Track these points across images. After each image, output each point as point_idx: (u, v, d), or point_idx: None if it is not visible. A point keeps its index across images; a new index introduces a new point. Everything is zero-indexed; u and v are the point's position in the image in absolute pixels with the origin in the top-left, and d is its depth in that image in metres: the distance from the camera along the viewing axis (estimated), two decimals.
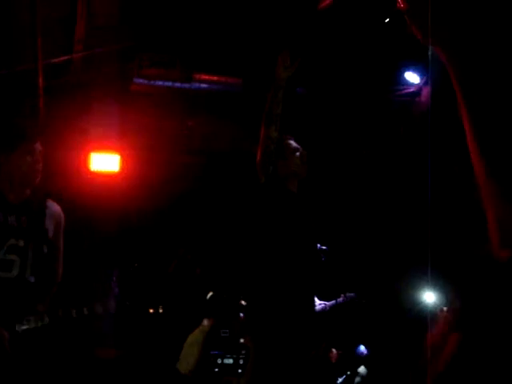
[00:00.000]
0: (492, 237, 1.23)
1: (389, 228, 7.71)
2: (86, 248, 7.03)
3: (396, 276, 6.97)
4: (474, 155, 1.24)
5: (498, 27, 1.28)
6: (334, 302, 5.47)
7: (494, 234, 1.23)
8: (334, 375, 5.24)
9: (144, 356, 6.44)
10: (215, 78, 7.43)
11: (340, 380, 5.24)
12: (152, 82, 7.32)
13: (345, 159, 7.96)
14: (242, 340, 5.57)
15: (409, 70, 7.36)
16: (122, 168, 7.16)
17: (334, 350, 5.35)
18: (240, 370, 5.53)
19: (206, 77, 7.39)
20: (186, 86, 7.41)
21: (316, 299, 4.49)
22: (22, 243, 3.22)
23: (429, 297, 5.72)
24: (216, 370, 5.57)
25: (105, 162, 7.11)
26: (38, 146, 3.38)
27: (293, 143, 3.41)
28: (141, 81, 7.28)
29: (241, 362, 5.55)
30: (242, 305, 5.77)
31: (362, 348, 5.57)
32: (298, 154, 3.38)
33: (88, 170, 7.06)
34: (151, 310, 7.28)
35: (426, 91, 7.46)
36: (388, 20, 1.50)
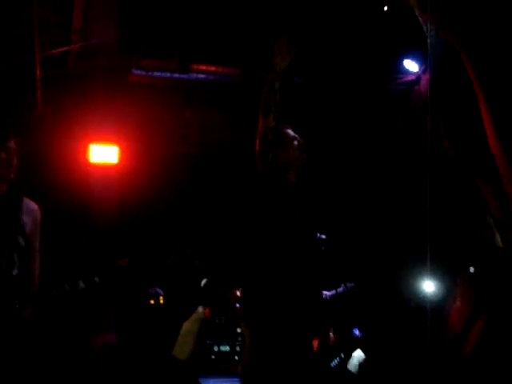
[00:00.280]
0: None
1: (388, 217, 7.71)
2: (84, 239, 7.03)
3: (396, 265, 6.98)
4: (492, 140, 1.25)
5: None
6: (334, 291, 5.48)
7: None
8: (329, 357, 5.26)
9: (142, 343, 6.46)
10: (213, 68, 7.41)
11: (334, 362, 5.25)
12: (150, 73, 7.30)
13: (343, 148, 7.95)
14: (238, 330, 5.59)
15: (408, 58, 7.33)
16: (121, 159, 7.15)
17: (330, 334, 5.36)
18: (237, 357, 5.55)
19: (204, 67, 7.37)
20: (184, 76, 7.39)
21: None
22: None
23: (428, 286, 5.73)
24: (213, 357, 5.60)
25: (104, 154, 7.11)
26: (12, 145, 3.53)
27: (290, 132, 3.41)
28: (139, 72, 7.26)
29: (237, 349, 5.58)
30: (238, 295, 5.79)
31: (357, 331, 5.60)
32: (295, 142, 3.38)
33: (87, 161, 7.05)
34: (152, 302, 7.29)
35: (425, 79, 7.43)
36: (386, 8, 1.51)
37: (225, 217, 7.74)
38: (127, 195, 7.11)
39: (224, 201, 7.71)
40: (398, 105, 8.01)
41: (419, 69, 7.42)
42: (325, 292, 5.22)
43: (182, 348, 5.63)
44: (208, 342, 5.73)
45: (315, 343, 4.22)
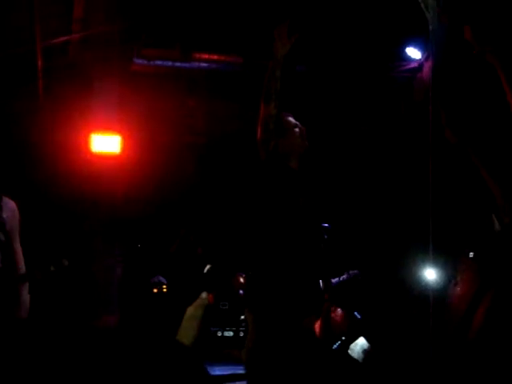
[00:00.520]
0: None
1: (390, 206, 7.71)
2: (87, 229, 7.05)
3: (398, 253, 6.98)
4: None
5: None
6: (337, 279, 5.49)
7: None
8: (331, 340, 5.26)
9: (145, 328, 6.50)
10: (215, 57, 7.39)
11: (335, 346, 5.25)
12: (152, 63, 7.29)
13: (346, 136, 7.94)
14: (242, 317, 5.60)
15: (410, 45, 7.30)
16: (123, 149, 7.15)
17: (338, 310, 5.35)
18: (240, 343, 5.57)
19: (206, 56, 7.36)
20: (186, 65, 7.38)
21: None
22: None
23: (430, 274, 5.73)
24: (216, 343, 5.62)
25: (106, 143, 7.11)
26: None
27: (292, 120, 3.41)
28: (140, 61, 7.25)
29: (241, 334, 5.59)
30: (241, 282, 5.80)
31: (357, 314, 5.61)
32: (297, 130, 3.38)
33: (89, 151, 7.06)
34: (155, 290, 7.31)
35: (427, 67, 7.41)
36: None
37: (228, 205, 7.75)
38: (129, 185, 7.12)
39: (227, 189, 7.71)
40: (401, 92, 7.99)
41: (422, 56, 7.39)
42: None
43: (187, 332, 5.64)
44: (212, 328, 5.74)
45: (317, 327, 4.23)
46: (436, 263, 4.43)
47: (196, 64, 7.37)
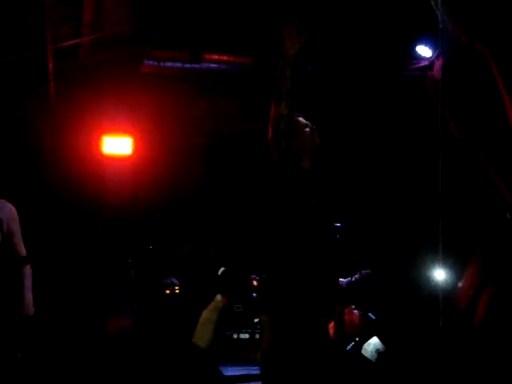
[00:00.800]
0: None
1: (401, 204, 7.69)
2: (99, 231, 7.08)
3: (408, 253, 6.96)
4: None
5: None
6: (349, 279, 5.48)
7: None
8: (345, 342, 5.25)
9: (159, 331, 6.51)
10: (225, 57, 7.40)
11: (349, 346, 5.24)
12: (162, 64, 7.31)
13: (357, 135, 7.92)
14: (256, 320, 5.60)
15: (421, 43, 7.28)
16: (135, 150, 7.17)
17: (354, 311, 5.33)
18: (256, 345, 5.57)
19: (216, 57, 7.37)
20: (196, 66, 7.39)
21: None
22: None
23: (439, 274, 5.70)
24: (232, 345, 5.62)
25: (117, 145, 7.12)
26: None
27: (302, 120, 3.40)
28: (151, 63, 7.27)
29: (257, 336, 5.58)
30: (255, 285, 5.79)
31: (372, 315, 5.59)
32: (307, 129, 3.37)
33: (101, 153, 7.08)
34: (167, 291, 7.33)
35: (438, 65, 7.38)
36: None
37: (239, 206, 7.75)
38: (141, 186, 7.14)
39: (238, 190, 7.72)
40: (412, 91, 7.96)
41: (432, 54, 7.36)
42: (341, 279, 5.21)
43: (202, 336, 5.65)
44: (227, 331, 5.74)
45: (331, 328, 4.22)
46: (445, 264, 4.41)
47: (206, 65, 7.38)
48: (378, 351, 5.32)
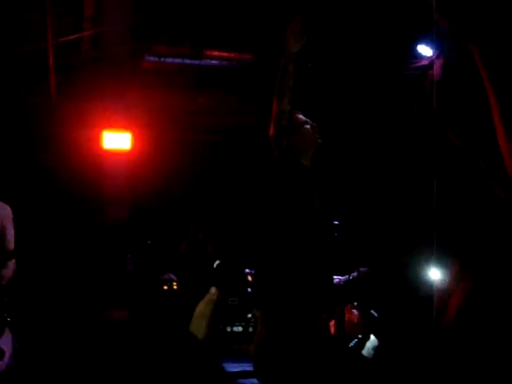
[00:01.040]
0: None
1: (399, 203, 7.70)
2: (98, 226, 7.09)
3: (403, 253, 6.98)
4: (500, 133, 1.31)
5: None
6: (347, 276, 5.49)
7: None
8: (347, 339, 5.26)
9: (156, 323, 6.52)
10: (225, 54, 7.40)
11: (352, 344, 5.25)
12: (162, 60, 7.31)
13: (357, 133, 7.93)
14: (249, 315, 5.61)
15: (421, 43, 7.29)
16: (134, 146, 7.18)
17: (354, 311, 5.35)
18: (250, 338, 5.58)
19: (217, 53, 7.37)
20: (197, 62, 7.40)
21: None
22: None
23: (434, 274, 5.72)
24: (226, 338, 5.63)
25: (117, 140, 7.13)
26: None
27: (301, 117, 3.40)
28: (152, 58, 7.28)
29: (250, 329, 5.59)
30: (249, 280, 5.80)
31: (374, 312, 5.61)
32: (307, 126, 3.37)
33: (100, 148, 7.09)
34: (165, 287, 7.33)
35: (438, 64, 7.39)
36: None
37: (238, 202, 7.75)
38: (140, 181, 7.15)
39: (237, 186, 7.72)
40: (412, 89, 7.97)
41: (433, 54, 7.37)
42: (338, 277, 5.23)
43: (198, 328, 5.65)
44: (221, 325, 5.75)
45: (331, 326, 4.23)
46: (440, 263, 4.42)
47: (206, 61, 7.39)
48: (374, 349, 5.34)
